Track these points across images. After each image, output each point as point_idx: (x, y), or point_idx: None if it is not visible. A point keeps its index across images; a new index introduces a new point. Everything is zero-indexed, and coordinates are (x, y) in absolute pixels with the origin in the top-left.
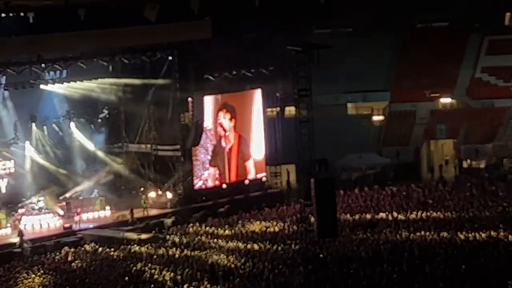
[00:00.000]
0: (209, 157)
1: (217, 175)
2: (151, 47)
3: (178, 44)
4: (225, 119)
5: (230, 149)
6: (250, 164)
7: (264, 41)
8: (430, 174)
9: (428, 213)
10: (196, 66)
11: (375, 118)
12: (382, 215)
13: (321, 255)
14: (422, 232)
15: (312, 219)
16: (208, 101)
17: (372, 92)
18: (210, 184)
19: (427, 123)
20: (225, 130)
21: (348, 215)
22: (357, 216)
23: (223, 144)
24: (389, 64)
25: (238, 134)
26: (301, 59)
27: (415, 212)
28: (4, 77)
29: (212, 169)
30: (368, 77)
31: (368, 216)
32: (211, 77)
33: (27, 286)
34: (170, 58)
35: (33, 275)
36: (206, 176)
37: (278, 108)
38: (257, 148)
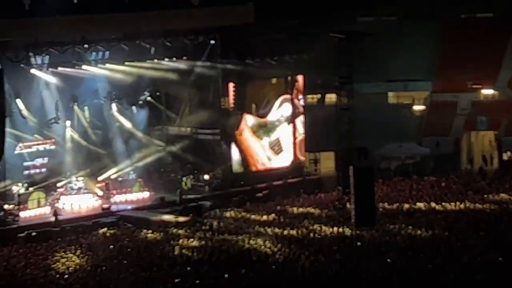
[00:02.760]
0: None
1: (256, 160)
2: (193, 31)
3: (220, 28)
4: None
5: None
6: (290, 150)
7: (307, 28)
8: (470, 166)
9: (467, 205)
10: (238, 51)
11: (416, 107)
12: (420, 205)
13: (358, 244)
14: (460, 223)
15: (350, 207)
16: (250, 86)
17: (413, 82)
18: (249, 169)
19: (468, 114)
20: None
21: (386, 204)
22: (395, 206)
23: None
24: (432, 53)
25: None
26: (344, 47)
27: (453, 203)
28: (47, 57)
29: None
30: (410, 66)
31: (406, 206)
32: (252, 62)
33: (64, 265)
34: (212, 42)
35: (70, 255)
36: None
37: (319, 95)
38: (298, 135)
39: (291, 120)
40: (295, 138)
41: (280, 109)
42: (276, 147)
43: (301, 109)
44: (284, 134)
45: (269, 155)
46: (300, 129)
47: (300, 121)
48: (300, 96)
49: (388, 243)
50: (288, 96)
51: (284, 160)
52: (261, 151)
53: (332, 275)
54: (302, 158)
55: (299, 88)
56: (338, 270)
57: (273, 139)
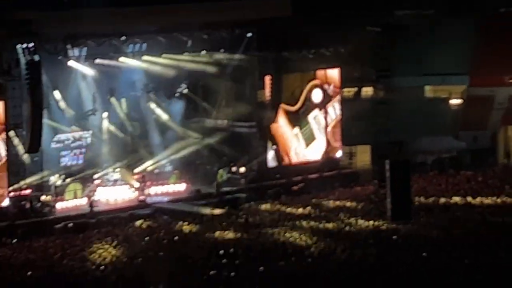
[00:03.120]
0: None
1: (290, 151)
2: (230, 24)
3: (257, 21)
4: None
5: None
6: (323, 138)
7: (344, 21)
8: (507, 160)
9: (504, 199)
10: (274, 44)
11: (453, 101)
12: (457, 199)
13: (393, 237)
14: (497, 218)
15: (386, 200)
16: (286, 79)
17: (450, 76)
18: (285, 162)
19: (505, 108)
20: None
21: (422, 198)
22: (431, 200)
23: None
24: (469, 47)
25: None
26: (381, 40)
27: (490, 198)
28: (85, 49)
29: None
30: (447, 60)
31: (443, 200)
32: (289, 55)
33: (101, 256)
34: (249, 35)
35: (107, 246)
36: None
37: (356, 89)
38: (330, 121)
39: (322, 106)
40: (327, 125)
41: (311, 96)
42: (309, 135)
43: (333, 95)
44: (316, 121)
45: (303, 144)
46: (332, 115)
47: (332, 107)
48: (332, 86)
49: (424, 237)
50: (317, 82)
51: (317, 148)
52: (294, 140)
53: (368, 268)
54: (336, 145)
55: (333, 80)
56: (374, 263)
57: (305, 127)
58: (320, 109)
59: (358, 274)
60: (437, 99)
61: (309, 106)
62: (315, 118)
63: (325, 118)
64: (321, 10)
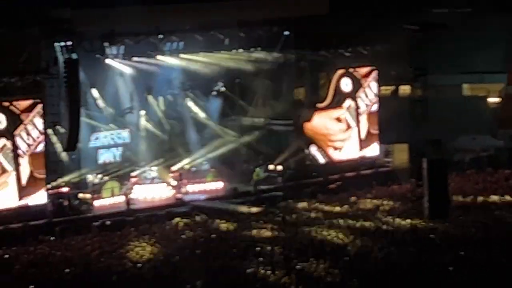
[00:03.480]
0: None
1: (330, 151)
2: (268, 21)
3: (295, 19)
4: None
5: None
6: (363, 142)
7: (381, 19)
8: None
9: None
10: (312, 42)
11: (491, 100)
12: (495, 198)
13: (431, 236)
14: None
15: (423, 199)
16: (323, 77)
17: (489, 74)
18: (322, 160)
19: None
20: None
21: (460, 197)
22: (469, 198)
23: None
24: (507, 45)
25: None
26: (418, 38)
27: None
28: (122, 47)
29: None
30: (485, 59)
31: (480, 198)
32: (327, 53)
33: (138, 254)
34: (286, 33)
35: (144, 244)
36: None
37: (393, 87)
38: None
39: (352, 95)
40: (358, 113)
41: (340, 86)
42: (344, 126)
43: (362, 81)
44: (350, 111)
45: (340, 137)
46: (362, 105)
47: (364, 93)
48: (374, 87)
49: (461, 236)
50: (343, 70)
51: (354, 139)
52: (331, 133)
53: (405, 267)
54: (374, 132)
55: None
56: (411, 262)
57: (340, 118)
58: (353, 98)
59: (395, 273)
60: (475, 98)
61: (340, 97)
62: (348, 108)
63: (356, 106)
64: (359, 8)
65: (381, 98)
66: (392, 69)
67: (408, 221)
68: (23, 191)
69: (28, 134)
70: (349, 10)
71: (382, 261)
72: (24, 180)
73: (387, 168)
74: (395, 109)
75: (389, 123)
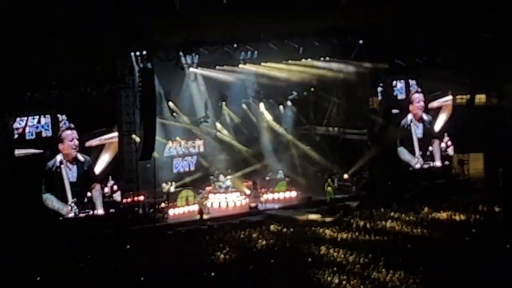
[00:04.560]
0: None
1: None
2: (342, 30)
3: (368, 28)
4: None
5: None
6: (437, 151)
7: (456, 27)
8: None
9: None
10: (386, 50)
11: None
12: None
13: (507, 246)
14: None
15: (500, 209)
16: (398, 86)
17: None
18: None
19: None
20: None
21: None
22: None
23: None
24: None
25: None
26: (493, 46)
27: None
28: (197, 56)
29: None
30: None
31: None
32: (401, 62)
33: (212, 262)
34: (361, 41)
35: (218, 252)
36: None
37: (468, 96)
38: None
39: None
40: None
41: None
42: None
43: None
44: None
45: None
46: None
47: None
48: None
49: None
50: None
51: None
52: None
53: (478, 281)
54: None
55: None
56: (489, 274)
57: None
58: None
59: (465, 284)
60: None
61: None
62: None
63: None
64: (433, 17)
65: (456, 107)
66: (467, 77)
67: (483, 231)
68: None
69: None
70: (423, 18)
71: (458, 272)
72: None
73: (463, 177)
74: (471, 118)
75: (464, 132)
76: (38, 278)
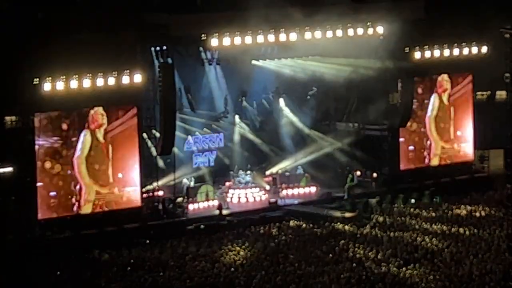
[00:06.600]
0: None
1: (423, 157)
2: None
3: (389, 23)
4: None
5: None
6: (457, 147)
7: (477, 23)
8: None
9: None
10: (406, 46)
11: None
12: None
13: None
14: None
15: None
16: (417, 82)
17: None
18: (416, 165)
19: None
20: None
21: None
22: None
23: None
24: None
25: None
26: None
27: None
28: (217, 51)
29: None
30: None
31: None
32: (421, 58)
33: (231, 258)
34: (381, 37)
35: (237, 248)
36: (412, 158)
37: (489, 92)
38: (465, 132)
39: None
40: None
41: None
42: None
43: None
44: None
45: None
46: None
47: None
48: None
49: None
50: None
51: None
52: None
53: (500, 275)
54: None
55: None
56: (507, 270)
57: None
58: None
59: (490, 280)
60: None
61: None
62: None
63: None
64: (455, 13)
65: (477, 103)
66: (488, 73)
67: (504, 227)
68: None
69: None
70: (445, 14)
71: (477, 267)
72: None
73: (483, 174)
74: (491, 114)
75: (485, 128)
76: (58, 273)
